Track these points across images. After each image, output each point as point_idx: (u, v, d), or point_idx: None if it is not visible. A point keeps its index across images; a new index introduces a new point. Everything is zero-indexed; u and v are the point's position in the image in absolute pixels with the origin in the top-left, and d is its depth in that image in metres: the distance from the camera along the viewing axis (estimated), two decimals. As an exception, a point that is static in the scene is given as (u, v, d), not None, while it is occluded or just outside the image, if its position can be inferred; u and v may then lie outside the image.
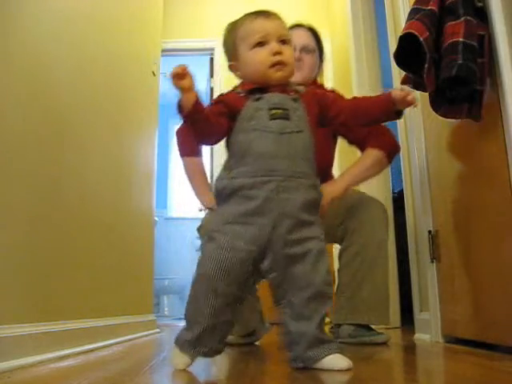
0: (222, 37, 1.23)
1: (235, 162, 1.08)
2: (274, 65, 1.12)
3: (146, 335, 2.25)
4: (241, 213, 1.04)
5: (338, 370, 0.99)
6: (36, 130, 1.35)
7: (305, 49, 1.78)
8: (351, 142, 1.85)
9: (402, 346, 1.76)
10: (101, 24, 1.93)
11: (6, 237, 1.16)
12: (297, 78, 1.60)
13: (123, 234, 2.11)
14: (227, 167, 1.10)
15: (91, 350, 1.51)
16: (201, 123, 1.06)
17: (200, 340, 1.05)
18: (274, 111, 1.08)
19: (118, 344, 1.77)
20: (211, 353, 1.08)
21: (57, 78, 1.50)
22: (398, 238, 2.62)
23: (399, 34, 1.44)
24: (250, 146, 1.06)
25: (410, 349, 1.68)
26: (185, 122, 1.07)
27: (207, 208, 1.78)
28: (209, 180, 1.97)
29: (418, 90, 1.55)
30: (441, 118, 1.48)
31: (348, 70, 3.09)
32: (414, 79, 1.47)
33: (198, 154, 1.86)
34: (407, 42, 1.38)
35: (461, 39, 1.25)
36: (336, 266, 1.84)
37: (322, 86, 1.92)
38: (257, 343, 1.80)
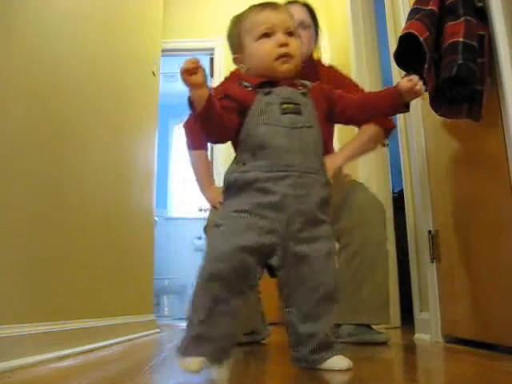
0: (227, 29, 1.21)
1: (248, 156, 1.05)
2: (279, 57, 1.09)
3: (146, 335, 2.25)
4: (255, 203, 1.00)
5: (339, 370, 0.99)
6: (36, 130, 1.35)
7: (301, 25, 1.78)
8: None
9: (401, 346, 1.76)
10: (101, 24, 1.93)
11: (6, 237, 1.16)
12: None
13: (123, 234, 2.11)
14: (238, 161, 1.07)
15: (91, 350, 1.51)
16: (214, 120, 1.02)
17: (203, 336, 0.95)
18: (285, 105, 1.06)
19: (117, 344, 1.77)
20: (218, 353, 0.96)
21: (57, 76, 1.50)
22: (398, 238, 2.62)
23: (399, 33, 1.44)
24: (264, 140, 1.03)
25: (409, 349, 1.68)
26: (197, 119, 1.02)
27: (212, 205, 1.77)
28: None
29: (418, 89, 1.55)
30: (441, 117, 1.48)
31: (348, 70, 3.09)
32: (414, 79, 1.47)
33: (206, 147, 1.87)
34: (407, 42, 1.38)
35: (461, 39, 1.25)
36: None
37: (319, 61, 1.92)
38: (264, 341, 1.81)
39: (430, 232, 1.78)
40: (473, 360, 1.24)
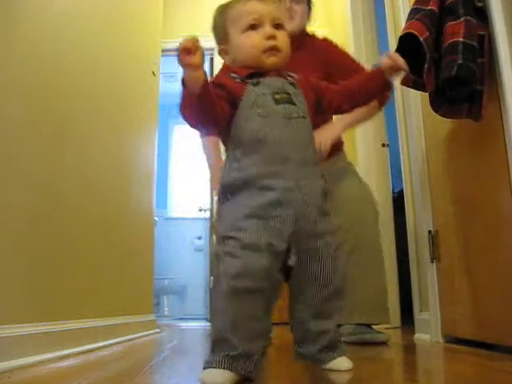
0: (212, 19, 1.16)
1: (243, 152, 1.00)
2: (267, 50, 1.06)
3: (146, 335, 2.25)
4: (260, 205, 0.95)
5: (339, 371, 1.00)
6: (36, 130, 1.35)
7: None
8: None
9: (402, 346, 1.76)
10: (101, 23, 1.93)
11: (6, 237, 1.16)
12: (288, 28, 1.67)
13: (123, 234, 2.11)
14: (233, 158, 1.01)
15: (91, 350, 1.51)
16: (208, 106, 0.95)
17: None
18: (278, 96, 1.03)
19: (117, 344, 1.77)
20: (242, 358, 0.89)
21: (58, 74, 1.50)
22: (398, 238, 2.62)
23: (399, 33, 1.44)
24: (259, 133, 0.99)
25: (410, 349, 1.68)
26: (190, 102, 0.95)
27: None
28: None
29: (418, 90, 1.56)
30: (441, 117, 1.48)
31: (348, 70, 3.09)
32: (414, 79, 1.47)
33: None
34: (407, 42, 1.38)
35: (461, 39, 1.25)
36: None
37: (313, 35, 1.91)
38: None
39: (430, 232, 1.78)
40: (473, 360, 1.24)
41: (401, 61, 1.09)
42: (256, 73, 1.07)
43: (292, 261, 0.98)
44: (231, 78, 1.07)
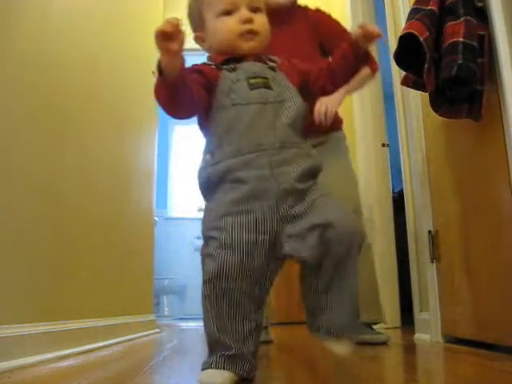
0: (187, 5, 1.11)
1: (216, 143, 0.96)
2: (243, 34, 1.01)
3: (146, 335, 2.25)
4: (233, 201, 0.91)
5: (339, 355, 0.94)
6: (37, 130, 1.35)
7: None
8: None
9: (402, 346, 1.76)
10: (101, 23, 1.93)
11: (6, 237, 1.16)
12: (280, 0, 1.73)
13: (123, 234, 2.11)
14: (208, 151, 0.98)
15: (91, 350, 1.51)
16: (182, 94, 0.91)
17: (219, 342, 0.90)
18: (253, 80, 0.98)
19: (117, 344, 1.77)
20: (238, 358, 0.90)
21: (58, 76, 1.50)
22: (398, 238, 2.62)
23: (399, 33, 1.44)
24: (232, 122, 0.95)
25: (410, 349, 1.68)
26: (164, 86, 0.90)
27: None
28: None
29: (418, 90, 1.56)
30: (441, 117, 1.48)
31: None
32: (414, 79, 1.47)
33: None
34: (407, 42, 1.38)
35: (461, 39, 1.25)
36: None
37: (306, 7, 1.89)
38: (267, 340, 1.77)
39: (430, 232, 1.78)
40: (473, 360, 1.24)
41: (372, 27, 0.99)
42: (232, 58, 1.02)
43: (286, 251, 0.91)
44: (207, 64, 1.03)
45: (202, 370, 0.90)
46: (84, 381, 0.93)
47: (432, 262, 1.77)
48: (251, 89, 0.97)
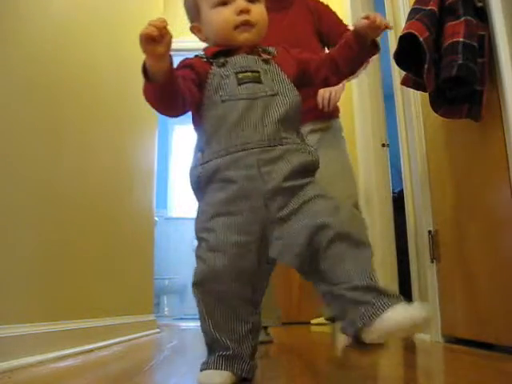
0: None
1: (206, 141, 0.94)
2: (238, 25, 0.98)
3: (146, 335, 2.25)
4: (221, 201, 0.89)
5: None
6: (37, 130, 1.35)
7: None
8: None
9: (402, 346, 1.76)
10: (102, 23, 1.93)
11: (6, 237, 1.16)
12: None
13: (123, 234, 2.11)
14: (198, 150, 0.96)
15: (91, 350, 1.51)
16: (173, 93, 0.88)
17: (215, 342, 0.90)
18: (241, 75, 0.95)
19: (117, 344, 1.77)
20: (237, 359, 0.90)
21: (58, 76, 1.50)
22: (398, 238, 2.62)
23: (399, 33, 1.44)
24: (220, 119, 0.92)
25: (409, 349, 1.68)
26: (151, 90, 0.89)
27: None
28: None
29: (418, 90, 1.56)
30: (441, 117, 1.48)
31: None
32: (414, 79, 1.47)
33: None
34: (407, 42, 1.38)
35: (461, 39, 1.25)
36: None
37: None
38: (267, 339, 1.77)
39: (430, 232, 1.78)
40: (473, 360, 1.24)
41: (380, 18, 0.94)
42: (223, 51, 1.00)
43: (272, 252, 0.88)
44: (199, 57, 1.00)
45: (201, 370, 0.91)
46: (84, 381, 0.93)
47: (432, 261, 1.77)
48: (239, 84, 0.94)
